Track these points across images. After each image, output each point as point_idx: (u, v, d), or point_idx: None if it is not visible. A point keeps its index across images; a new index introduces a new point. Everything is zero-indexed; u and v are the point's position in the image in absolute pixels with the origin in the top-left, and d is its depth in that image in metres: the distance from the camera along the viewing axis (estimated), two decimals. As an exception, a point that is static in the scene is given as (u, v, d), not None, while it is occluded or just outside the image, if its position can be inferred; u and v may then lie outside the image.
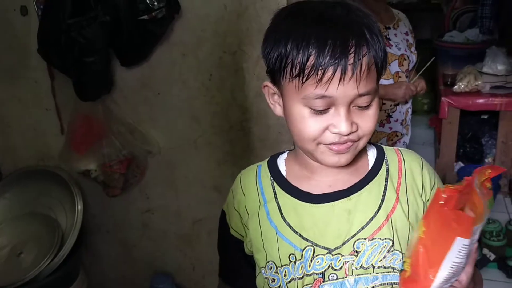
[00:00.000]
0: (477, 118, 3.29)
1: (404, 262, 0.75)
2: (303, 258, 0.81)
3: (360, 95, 0.73)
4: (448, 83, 3.18)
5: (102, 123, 1.78)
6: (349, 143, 0.76)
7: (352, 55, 0.70)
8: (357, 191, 0.83)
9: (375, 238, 0.80)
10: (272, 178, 0.87)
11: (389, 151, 0.89)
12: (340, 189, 0.83)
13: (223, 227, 0.93)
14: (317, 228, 0.81)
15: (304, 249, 0.81)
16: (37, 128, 1.92)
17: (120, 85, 1.77)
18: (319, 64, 0.70)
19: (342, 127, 0.73)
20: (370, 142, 0.88)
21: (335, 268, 0.80)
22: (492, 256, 2.42)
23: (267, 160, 0.91)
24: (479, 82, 2.99)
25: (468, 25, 3.62)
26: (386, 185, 0.84)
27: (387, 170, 0.86)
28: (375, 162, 0.87)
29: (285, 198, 0.84)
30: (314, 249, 0.81)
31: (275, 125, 1.69)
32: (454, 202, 0.69)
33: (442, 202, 0.69)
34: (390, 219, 0.81)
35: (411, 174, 0.86)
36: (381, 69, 0.76)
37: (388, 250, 0.81)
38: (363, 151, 0.86)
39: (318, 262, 0.80)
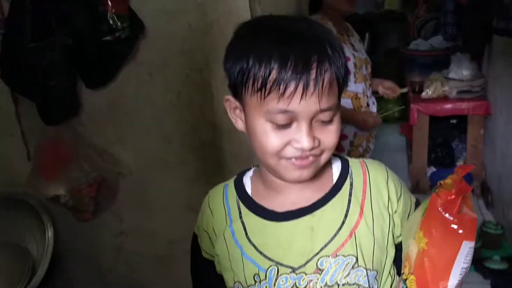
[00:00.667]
0: (447, 123, 3.36)
1: (405, 280, 0.72)
2: (267, 279, 0.79)
3: (322, 111, 0.73)
4: (416, 90, 3.25)
5: (69, 146, 1.74)
6: (311, 158, 0.76)
7: (314, 70, 0.70)
8: (321, 207, 0.82)
9: (338, 255, 0.79)
10: (238, 198, 0.86)
11: (354, 164, 0.88)
12: (304, 206, 0.82)
13: (195, 250, 0.91)
14: (281, 247, 0.80)
15: (268, 269, 0.80)
16: (3, 155, 1.87)
17: (87, 107, 1.75)
18: (281, 78, 0.70)
19: (304, 143, 0.73)
20: (335, 155, 0.87)
21: (299, 287, 0.79)
22: (468, 259, 2.45)
23: (234, 178, 0.90)
24: (446, 88, 3.06)
25: (432, 32, 3.71)
26: (350, 200, 0.83)
27: (351, 184, 0.85)
28: (339, 176, 0.86)
29: (250, 217, 0.83)
30: (278, 269, 0.80)
31: (247, 141, 1.66)
32: (456, 206, 0.65)
33: (441, 208, 0.66)
34: (354, 234, 0.80)
35: (376, 187, 0.85)
36: (343, 84, 0.76)
37: (352, 267, 0.79)
38: (327, 165, 0.85)
39: (282, 281, 0.79)
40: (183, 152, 1.76)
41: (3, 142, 1.85)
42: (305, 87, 0.70)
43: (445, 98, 3.09)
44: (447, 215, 0.64)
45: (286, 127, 0.74)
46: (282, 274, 0.79)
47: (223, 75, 1.67)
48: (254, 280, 0.80)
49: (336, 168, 0.87)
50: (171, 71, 1.67)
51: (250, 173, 0.89)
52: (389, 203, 0.85)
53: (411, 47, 3.60)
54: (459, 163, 3.32)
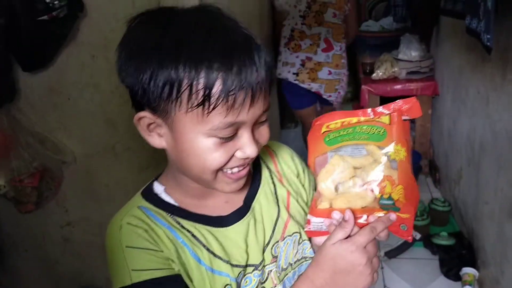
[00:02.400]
0: (396, 103, 3.42)
1: (387, 197, 0.70)
2: (239, 286, 0.76)
3: (264, 112, 0.69)
4: (367, 71, 3.29)
5: (7, 134, 1.63)
6: (248, 166, 0.74)
7: (259, 72, 0.64)
8: (253, 199, 0.81)
9: (285, 237, 0.81)
10: (170, 214, 0.75)
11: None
12: (239, 203, 0.80)
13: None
14: (241, 249, 0.77)
15: (237, 276, 0.76)
16: None
17: (25, 92, 1.64)
18: (228, 89, 0.61)
19: (250, 151, 0.69)
20: None
21: (262, 281, 0.78)
22: (418, 236, 2.52)
23: (141, 200, 0.78)
24: (396, 69, 3.11)
25: (383, 14, 3.75)
26: (273, 182, 0.85)
27: (267, 167, 0.86)
28: (253, 163, 0.82)
29: (198, 229, 0.75)
30: (244, 271, 0.77)
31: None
32: (418, 111, 0.74)
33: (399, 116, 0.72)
34: (289, 212, 0.82)
35: (285, 164, 0.88)
36: (273, 77, 0.72)
37: (298, 243, 0.82)
38: None
39: (246, 282, 0.77)
40: (130, 138, 1.69)
41: None
42: (254, 94, 0.64)
43: (394, 79, 3.14)
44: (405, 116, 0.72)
45: (231, 138, 0.68)
46: (246, 274, 0.77)
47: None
48: None
49: None
50: (115, 54, 1.59)
51: (159, 188, 0.79)
52: (299, 176, 0.89)
53: (362, 28, 3.63)
54: (409, 142, 3.40)
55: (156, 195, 0.78)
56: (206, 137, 0.66)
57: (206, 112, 0.63)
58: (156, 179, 0.81)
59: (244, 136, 0.68)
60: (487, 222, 2.12)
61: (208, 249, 0.74)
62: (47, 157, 1.68)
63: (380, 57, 3.21)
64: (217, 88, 0.61)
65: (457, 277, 2.25)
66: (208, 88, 0.61)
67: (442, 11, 2.35)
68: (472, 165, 2.33)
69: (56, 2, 1.41)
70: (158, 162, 1.70)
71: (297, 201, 0.85)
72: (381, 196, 0.70)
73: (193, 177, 0.73)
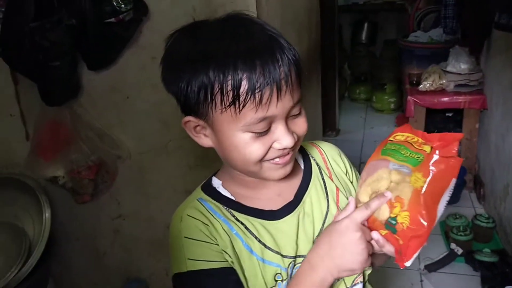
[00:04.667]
0: (442, 116, 3.37)
1: (394, 217, 0.73)
2: (288, 276, 0.81)
3: (295, 105, 0.74)
4: (414, 82, 3.26)
5: (69, 128, 1.73)
6: (291, 152, 0.78)
7: (282, 68, 0.69)
8: (304, 192, 0.85)
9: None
10: (226, 207, 0.81)
11: (308, 147, 0.94)
12: (291, 197, 0.84)
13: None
14: (292, 241, 0.82)
15: (288, 267, 0.81)
16: (1, 135, 1.86)
17: (88, 89, 1.74)
18: (254, 86, 0.68)
19: (287, 142, 0.74)
20: None
21: None
22: (459, 251, 2.48)
23: (201, 193, 0.84)
24: (444, 81, 3.07)
25: (432, 25, 3.71)
26: (323, 178, 0.89)
27: (317, 164, 0.90)
28: (304, 160, 0.90)
29: (251, 222, 0.81)
30: (294, 261, 0.82)
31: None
32: (455, 150, 0.73)
33: (437, 155, 0.74)
34: (338, 207, 0.86)
35: (334, 162, 0.93)
36: (302, 70, 0.76)
37: None
38: None
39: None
40: (183, 138, 1.76)
41: (2, 122, 1.83)
42: (279, 89, 0.69)
43: (442, 91, 3.09)
44: (444, 158, 0.73)
45: (266, 132, 0.73)
46: (296, 264, 0.82)
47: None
48: (276, 280, 0.80)
49: (297, 153, 0.90)
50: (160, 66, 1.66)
51: (217, 182, 0.86)
52: (347, 173, 0.94)
53: (410, 38, 3.59)
54: (453, 156, 3.34)
55: (214, 188, 0.85)
56: (242, 133, 0.72)
57: (238, 110, 0.69)
58: (214, 174, 0.88)
59: (279, 129, 0.73)
60: (534, 241, 2.07)
61: (259, 241, 0.80)
62: (104, 152, 1.77)
63: (428, 69, 3.17)
64: (244, 87, 0.68)
65: (499, 295, 2.21)
66: (236, 88, 0.68)
67: (496, 24, 2.31)
68: (520, 182, 2.28)
69: (122, 6, 1.49)
70: (206, 162, 1.77)
71: (346, 196, 0.89)
72: (389, 215, 0.74)
73: (241, 170, 0.80)
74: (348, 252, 0.73)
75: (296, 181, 0.87)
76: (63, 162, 1.77)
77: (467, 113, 3.09)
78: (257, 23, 0.75)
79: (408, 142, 0.77)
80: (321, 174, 0.89)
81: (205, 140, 0.79)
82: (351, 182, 0.94)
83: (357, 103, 4.87)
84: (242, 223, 0.80)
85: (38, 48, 1.45)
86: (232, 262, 0.78)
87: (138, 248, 1.97)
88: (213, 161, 1.74)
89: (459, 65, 3.04)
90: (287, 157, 0.77)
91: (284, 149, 0.75)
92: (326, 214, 0.85)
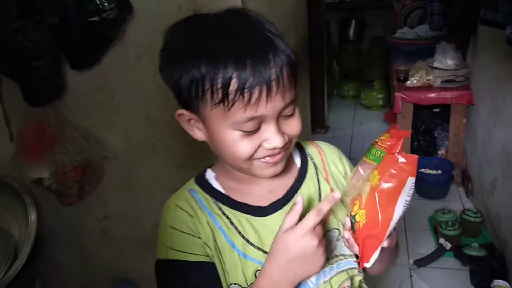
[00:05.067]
0: (430, 111, 3.40)
1: (354, 215, 0.75)
2: None
3: (286, 106, 0.73)
4: (401, 78, 3.28)
5: (54, 129, 1.71)
6: (282, 152, 0.78)
7: (273, 69, 0.69)
8: (296, 191, 0.85)
9: (325, 232, 0.82)
10: (215, 200, 0.83)
11: (308, 146, 0.94)
12: (282, 194, 0.84)
13: (184, 272, 0.80)
14: (274, 238, 0.80)
15: None
16: (-16, 136, 1.83)
17: (72, 89, 1.72)
18: (243, 86, 0.68)
19: (276, 142, 0.74)
20: None
21: None
22: (448, 246, 2.50)
23: (193, 184, 0.86)
24: (431, 77, 3.08)
25: (418, 21, 3.72)
26: (318, 179, 0.88)
27: (314, 164, 0.90)
28: (301, 159, 0.90)
29: (237, 216, 0.82)
30: None
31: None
32: (399, 147, 0.73)
33: (389, 149, 0.74)
34: (331, 209, 0.83)
35: (333, 163, 0.92)
36: (297, 72, 0.75)
37: (337, 239, 0.84)
38: None
39: None
40: (170, 137, 1.75)
41: (-15, 123, 1.80)
42: (269, 89, 0.69)
43: (429, 87, 3.11)
44: (395, 155, 0.72)
45: (256, 131, 0.73)
46: None
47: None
48: (256, 276, 0.80)
49: (295, 151, 0.91)
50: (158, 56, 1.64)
51: (211, 174, 0.87)
52: (346, 176, 0.92)
53: (397, 35, 3.61)
54: (441, 151, 3.37)
55: (206, 180, 0.86)
56: (232, 130, 0.73)
57: (227, 108, 0.69)
58: (210, 166, 0.89)
59: (269, 129, 0.73)
60: (521, 235, 2.09)
61: (243, 236, 0.80)
62: (90, 152, 1.75)
63: (415, 65, 3.18)
64: (233, 86, 0.68)
65: (488, 289, 2.23)
66: (226, 86, 0.68)
67: (481, 20, 2.32)
68: (507, 177, 2.30)
69: (106, 5, 1.48)
70: (194, 161, 1.76)
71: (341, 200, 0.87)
72: (351, 212, 0.76)
73: (232, 166, 0.80)
74: (309, 262, 0.74)
75: (290, 179, 0.86)
76: (48, 163, 1.75)
77: (454, 109, 3.11)
78: (256, 22, 0.74)
79: (381, 140, 0.78)
80: (317, 175, 0.89)
81: (199, 134, 0.80)
82: None
83: (346, 100, 4.89)
84: (227, 217, 0.81)
85: (20, 48, 1.42)
86: (213, 256, 0.79)
87: (126, 248, 1.96)
88: (200, 160, 1.74)
89: (446, 61, 3.06)
90: (278, 157, 0.77)
91: (274, 149, 0.75)
92: None
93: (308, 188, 0.86)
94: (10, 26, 1.39)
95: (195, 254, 0.78)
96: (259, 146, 0.74)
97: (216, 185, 0.85)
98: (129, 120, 1.74)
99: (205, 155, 1.74)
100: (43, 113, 1.69)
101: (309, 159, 0.91)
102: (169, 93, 1.76)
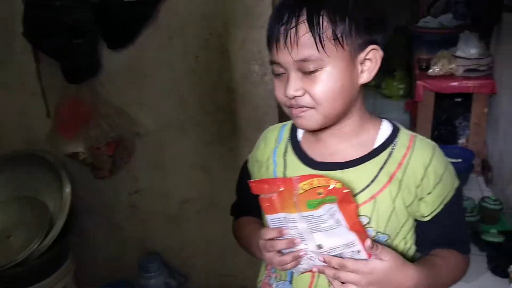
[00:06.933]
0: (451, 100, 3.40)
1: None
2: None
3: (300, 61, 0.79)
4: (423, 67, 3.29)
5: (89, 105, 1.79)
6: (305, 108, 0.82)
7: (287, 25, 0.78)
8: (352, 167, 0.86)
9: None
10: (289, 139, 0.95)
11: (403, 135, 0.88)
12: (338, 161, 0.87)
13: (245, 172, 1.02)
14: None
15: None
16: (23, 112, 1.93)
17: (107, 68, 1.79)
18: (270, 33, 0.81)
19: (288, 90, 0.81)
20: (390, 121, 0.90)
21: None
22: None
23: (292, 121, 0.94)
24: (453, 66, 3.09)
25: (442, 11, 3.72)
26: (382, 168, 0.85)
27: (389, 154, 0.86)
28: (382, 143, 0.87)
29: (292, 159, 0.92)
30: None
31: (261, 106, 1.74)
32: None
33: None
34: (375, 199, 0.83)
35: (413, 166, 0.85)
36: (321, 38, 0.77)
37: (364, 226, 0.82)
38: (373, 127, 0.89)
39: None
40: (199, 115, 1.82)
41: (24, 100, 1.90)
42: (277, 40, 0.79)
43: (451, 76, 3.12)
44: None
45: (282, 78, 0.83)
46: None
47: (241, 41, 1.73)
48: None
49: (383, 133, 0.89)
50: (190, 35, 1.71)
51: None
52: (421, 185, 0.85)
53: (420, 24, 3.62)
54: (462, 140, 3.38)
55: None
56: (274, 73, 0.85)
57: (268, 50, 0.84)
58: None
59: (287, 77, 0.82)
60: (539, 221, 2.11)
61: (285, 171, 0.92)
62: (123, 129, 1.83)
63: (438, 54, 3.20)
64: (268, 32, 0.82)
65: (504, 274, 2.25)
66: (268, 33, 0.82)
67: (506, 7, 2.33)
68: (527, 164, 2.32)
69: (142, -15, 1.54)
70: (222, 139, 1.83)
71: (393, 196, 0.84)
72: None
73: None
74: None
75: (355, 153, 0.87)
76: (83, 138, 1.83)
77: (476, 98, 3.11)
78: None
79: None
80: (384, 164, 0.85)
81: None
82: (428, 194, 0.86)
83: (366, 90, 4.86)
84: (284, 158, 0.93)
85: (62, 26, 1.50)
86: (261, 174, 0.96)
87: (154, 222, 2.04)
88: (228, 139, 1.81)
89: (469, 50, 3.06)
90: (297, 110, 0.83)
91: (288, 98, 0.82)
92: (357, 194, 0.84)
93: (363, 171, 0.85)
94: (53, 5, 1.47)
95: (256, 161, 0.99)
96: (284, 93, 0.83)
97: (300, 130, 0.94)
98: (160, 98, 1.82)
99: (232, 134, 1.82)
100: (79, 90, 1.77)
101: (390, 147, 0.86)
102: (198, 73, 1.84)
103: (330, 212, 0.74)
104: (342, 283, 0.80)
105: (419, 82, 3.14)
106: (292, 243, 0.79)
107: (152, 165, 1.94)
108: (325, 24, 0.77)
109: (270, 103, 1.70)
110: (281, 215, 0.76)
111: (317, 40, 0.77)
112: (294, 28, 0.77)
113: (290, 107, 0.84)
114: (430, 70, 3.14)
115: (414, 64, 3.55)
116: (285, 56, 0.79)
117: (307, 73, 0.79)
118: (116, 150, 1.86)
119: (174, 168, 1.92)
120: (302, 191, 0.73)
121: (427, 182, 0.85)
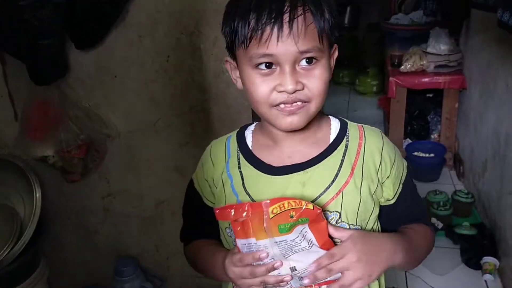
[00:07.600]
0: (423, 96, 3.46)
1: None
2: None
3: (302, 52, 0.76)
4: (395, 63, 3.33)
5: (58, 108, 1.75)
6: (299, 103, 0.79)
7: (287, 14, 0.74)
8: (314, 165, 0.86)
9: (324, 211, 0.83)
10: (238, 149, 0.90)
11: (352, 127, 0.91)
12: (298, 162, 0.86)
13: (192, 194, 0.98)
14: (274, 197, 0.83)
15: None
16: (-11, 116, 1.87)
17: (75, 69, 1.75)
18: (258, 25, 0.74)
19: (287, 84, 0.76)
20: (336, 117, 0.92)
21: None
22: (440, 225, 2.58)
23: (236, 131, 0.94)
24: (424, 62, 3.14)
25: (413, 7, 3.78)
26: (343, 161, 0.86)
27: (346, 146, 0.88)
28: (336, 137, 0.89)
29: (248, 169, 0.88)
30: None
31: (234, 105, 1.73)
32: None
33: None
34: (342, 192, 0.84)
35: (370, 153, 0.88)
36: (322, 30, 0.77)
37: (336, 222, 0.85)
38: (325, 124, 0.90)
39: None
40: (172, 116, 1.79)
41: (-10, 103, 1.84)
42: (280, 29, 0.74)
43: (423, 72, 3.18)
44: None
45: (270, 73, 0.78)
46: None
47: (213, 40, 1.71)
48: None
49: (334, 128, 0.91)
50: (161, 35, 1.69)
51: (252, 127, 0.94)
52: (380, 170, 0.88)
53: (392, 21, 3.66)
54: (434, 135, 3.44)
55: (244, 131, 0.94)
56: (251, 69, 0.78)
57: (245, 46, 0.77)
58: (258, 121, 0.94)
59: (282, 71, 0.77)
60: (510, 214, 2.16)
61: (245, 188, 0.87)
62: (93, 131, 1.79)
63: (409, 50, 3.24)
64: (251, 26, 0.75)
65: (477, 266, 2.30)
66: (246, 27, 0.75)
67: (473, 4, 2.37)
68: (497, 158, 2.37)
69: (110, -16, 1.51)
70: (197, 139, 1.81)
71: (358, 186, 0.86)
72: None
73: (258, 113, 0.84)
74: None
75: (313, 152, 0.87)
76: (52, 141, 1.78)
77: (446, 93, 3.17)
78: None
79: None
80: (344, 157, 0.87)
81: (239, 83, 0.85)
82: (387, 177, 0.89)
83: (341, 87, 4.93)
84: (239, 168, 0.89)
85: (27, 27, 1.46)
86: (215, 201, 0.92)
87: (129, 225, 2.01)
88: (202, 138, 1.79)
89: (439, 46, 3.12)
90: (293, 107, 0.79)
91: (287, 94, 0.77)
92: (321, 194, 0.85)
93: (325, 167, 0.86)
94: (18, 5, 1.42)
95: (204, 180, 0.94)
96: (273, 89, 0.78)
97: (248, 138, 0.92)
98: (131, 99, 1.78)
99: (206, 133, 1.80)
100: (47, 92, 1.72)
101: (344, 139, 0.89)
102: (170, 72, 1.81)
103: (302, 233, 0.73)
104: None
105: (391, 79, 3.19)
106: (272, 268, 0.76)
107: (124, 167, 1.91)
108: (326, 15, 0.77)
109: (243, 102, 1.69)
110: (252, 240, 0.74)
111: (320, 30, 0.77)
112: (302, 16, 0.74)
113: (281, 103, 0.79)
114: (402, 67, 3.18)
115: (386, 61, 3.60)
116: (287, 46, 0.75)
117: (305, 67, 0.78)
118: (87, 153, 1.82)
119: (147, 169, 1.90)
120: (272, 215, 0.71)
121: (384, 166, 0.88)
